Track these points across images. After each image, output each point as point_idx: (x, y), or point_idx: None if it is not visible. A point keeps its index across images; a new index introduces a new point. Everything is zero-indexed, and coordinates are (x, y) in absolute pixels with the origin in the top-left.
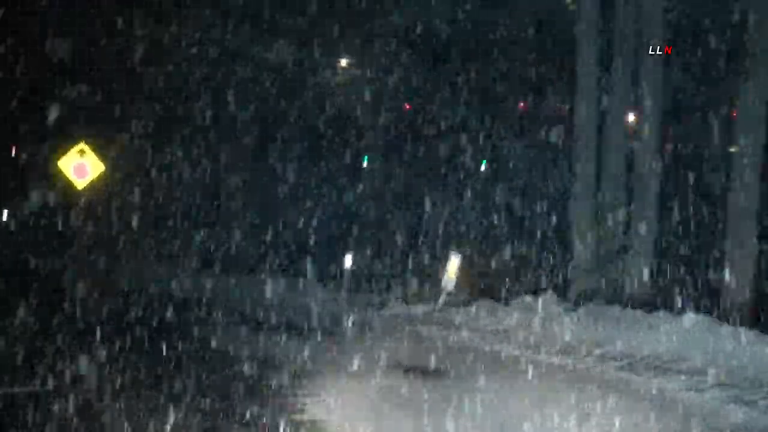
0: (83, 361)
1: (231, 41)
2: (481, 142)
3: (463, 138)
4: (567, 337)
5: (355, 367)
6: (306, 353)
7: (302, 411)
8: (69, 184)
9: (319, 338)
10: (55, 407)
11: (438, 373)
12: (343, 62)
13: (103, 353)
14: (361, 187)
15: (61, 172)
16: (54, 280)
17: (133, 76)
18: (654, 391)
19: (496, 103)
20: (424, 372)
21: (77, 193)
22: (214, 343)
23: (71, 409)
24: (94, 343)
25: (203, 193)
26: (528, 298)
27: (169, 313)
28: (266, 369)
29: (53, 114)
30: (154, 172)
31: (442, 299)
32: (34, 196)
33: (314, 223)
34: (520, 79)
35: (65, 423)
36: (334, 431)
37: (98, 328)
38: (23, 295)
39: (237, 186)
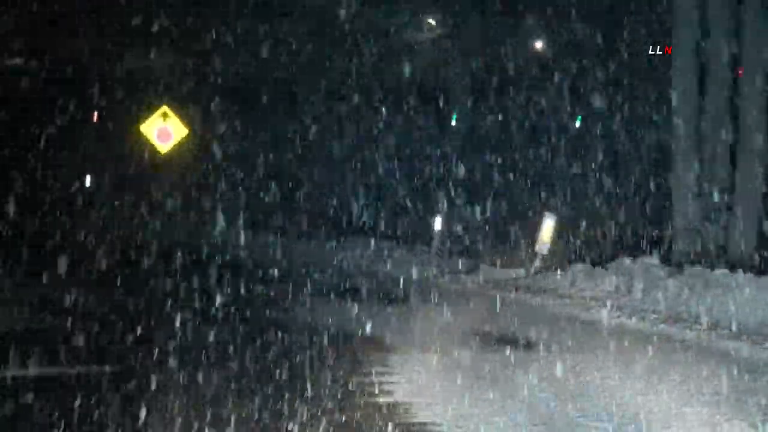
0: None
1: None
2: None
3: (555, 94)
4: (671, 304)
5: (446, 339)
6: (395, 324)
7: (390, 393)
8: (152, 149)
9: (408, 307)
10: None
11: (535, 345)
12: (431, 20)
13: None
14: (448, 145)
15: (143, 136)
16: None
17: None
18: None
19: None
20: (520, 344)
21: (161, 158)
22: (303, 313)
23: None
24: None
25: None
26: (627, 261)
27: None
28: (353, 340)
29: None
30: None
31: (535, 264)
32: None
33: (398, 183)
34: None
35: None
36: (422, 416)
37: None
38: None
39: (316, 145)
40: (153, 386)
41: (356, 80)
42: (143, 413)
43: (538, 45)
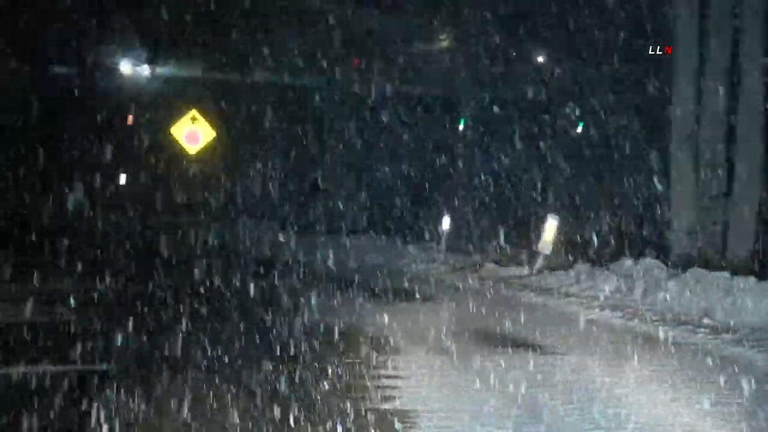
0: None
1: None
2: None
3: (558, 100)
4: (672, 305)
5: (452, 340)
6: (401, 322)
7: (392, 398)
8: (181, 151)
9: (415, 304)
10: None
11: (540, 348)
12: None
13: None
14: (455, 148)
15: (173, 138)
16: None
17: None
18: None
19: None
20: (527, 346)
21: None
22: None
23: None
24: None
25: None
26: (628, 262)
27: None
28: (357, 339)
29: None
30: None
31: (538, 263)
32: None
33: (407, 184)
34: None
35: None
36: (425, 426)
37: None
38: None
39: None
40: None
41: (369, 86)
42: None
43: (540, 58)
